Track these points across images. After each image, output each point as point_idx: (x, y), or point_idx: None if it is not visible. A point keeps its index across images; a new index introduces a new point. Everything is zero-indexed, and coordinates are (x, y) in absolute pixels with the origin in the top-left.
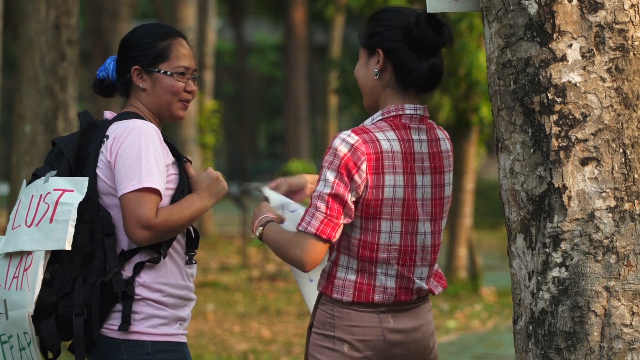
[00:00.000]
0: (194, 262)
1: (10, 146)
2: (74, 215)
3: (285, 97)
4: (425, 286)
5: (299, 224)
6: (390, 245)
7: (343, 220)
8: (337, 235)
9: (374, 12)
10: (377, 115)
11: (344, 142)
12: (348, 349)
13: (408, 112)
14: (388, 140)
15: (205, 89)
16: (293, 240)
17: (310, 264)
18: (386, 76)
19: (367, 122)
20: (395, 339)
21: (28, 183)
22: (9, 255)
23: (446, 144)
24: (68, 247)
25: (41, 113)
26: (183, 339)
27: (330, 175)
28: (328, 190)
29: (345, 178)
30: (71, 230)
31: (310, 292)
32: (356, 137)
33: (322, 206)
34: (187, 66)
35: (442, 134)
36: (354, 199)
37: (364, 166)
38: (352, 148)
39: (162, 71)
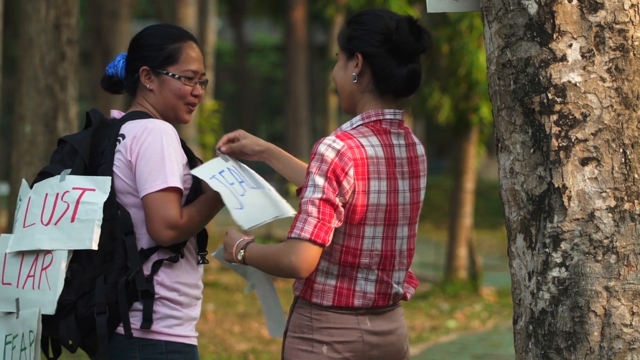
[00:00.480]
0: (206, 261)
1: (10, 146)
2: (99, 215)
3: (285, 97)
4: (401, 291)
5: (290, 232)
6: (372, 250)
7: (334, 224)
8: (330, 239)
9: (354, 15)
10: (357, 120)
11: (329, 147)
12: (327, 350)
13: (388, 117)
14: (372, 145)
15: (206, 88)
16: (285, 249)
17: (306, 270)
18: (365, 80)
19: (346, 127)
20: (372, 340)
21: (34, 181)
22: (21, 254)
23: (421, 149)
24: (95, 246)
25: (41, 113)
26: (195, 342)
27: (319, 180)
28: (319, 195)
29: (334, 183)
30: (98, 230)
31: (273, 309)
32: (342, 143)
33: (314, 211)
34: (196, 70)
35: (416, 138)
36: (341, 204)
37: (351, 172)
38: (339, 154)
39: (170, 74)
